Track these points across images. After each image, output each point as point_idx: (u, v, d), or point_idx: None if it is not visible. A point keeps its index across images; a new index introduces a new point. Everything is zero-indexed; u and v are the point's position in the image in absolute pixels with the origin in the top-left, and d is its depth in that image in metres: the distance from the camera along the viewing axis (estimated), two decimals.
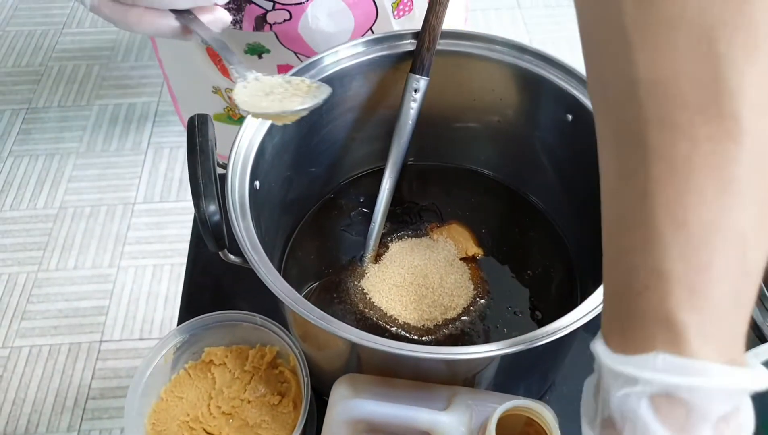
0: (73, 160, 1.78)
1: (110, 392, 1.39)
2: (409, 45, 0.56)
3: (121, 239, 1.62)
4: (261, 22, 0.61)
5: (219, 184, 0.41)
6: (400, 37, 0.57)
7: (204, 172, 0.40)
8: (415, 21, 0.68)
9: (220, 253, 0.43)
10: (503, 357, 0.40)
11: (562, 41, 2.06)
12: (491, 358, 0.41)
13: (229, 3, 0.59)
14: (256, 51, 0.66)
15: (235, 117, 0.75)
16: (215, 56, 0.70)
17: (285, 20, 0.60)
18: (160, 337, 0.79)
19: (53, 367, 1.42)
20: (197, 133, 0.43)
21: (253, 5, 0.59)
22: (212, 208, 0.39)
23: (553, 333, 0.41)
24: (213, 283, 0.65)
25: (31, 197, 1.70)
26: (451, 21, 0.70)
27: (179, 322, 0.59)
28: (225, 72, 0.70)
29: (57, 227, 1.64)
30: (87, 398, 1.38)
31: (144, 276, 1.55)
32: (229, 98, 0.74)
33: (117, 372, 1.42)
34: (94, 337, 1.46)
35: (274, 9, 0.59)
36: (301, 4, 0.59)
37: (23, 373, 1.40)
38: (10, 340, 1.45)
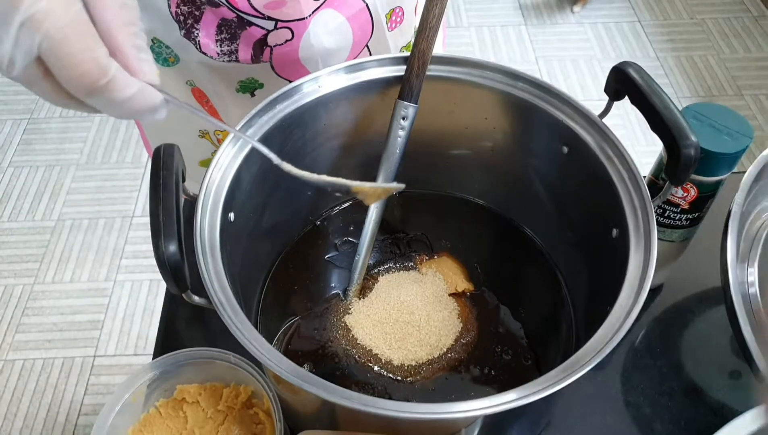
0: (73, 171, 1.77)
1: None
2: (396, 70, 0.54)
3: (118, 253, 1.60)
4: (260, 48, 0.58)
5: (184, 221, 0.39)
6: (387, 61, 0.54)
7: (165, 210, 0.38)
8: (404, 33, 0.66)
9: (183, 295, 0.40)
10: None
11: (567, 60, 2.03)
12: (471, 417, 0.38)
13: (222, 34, 0.57)
14: (249, 88, 0.64)
15: None
16: (202, 97, 0.67)
17: (287, 40, 0.58)
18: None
19: (46, 381, 1.40)
20: (162, 165, 0.40)
21: (252, 28, 0.56)
22: (172, 248, 0.36)
23: (542, 389, 0.37)
24: (192, 315, 0.62)
25: (29, 208, 1.68)
26: None
27: (154, 357, 0.56)
28: (213, 112, 0.67)
29: (54, 239, 1.62)
30: (79, 414, 1.36)
31: (140, 291, 1.53)
32: (218, 141, 0.71)
33: (110, 388, 1.39)
34: (88, 351, 1.44)
35: (276, 28, 0.57)
36: (303, 19, 0.57)
37: (15, 387, 1.38)
38: (4, 353, 1.43)
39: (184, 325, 0.62)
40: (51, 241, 1.62)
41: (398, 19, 0.64)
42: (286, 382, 0.47)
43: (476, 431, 0.44)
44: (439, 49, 0.74)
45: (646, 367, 0.59)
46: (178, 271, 0.37)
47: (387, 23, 0.63)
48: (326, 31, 0.59)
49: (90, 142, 1.84)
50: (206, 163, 0.74)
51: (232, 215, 0.48)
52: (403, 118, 0.54)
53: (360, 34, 0.61)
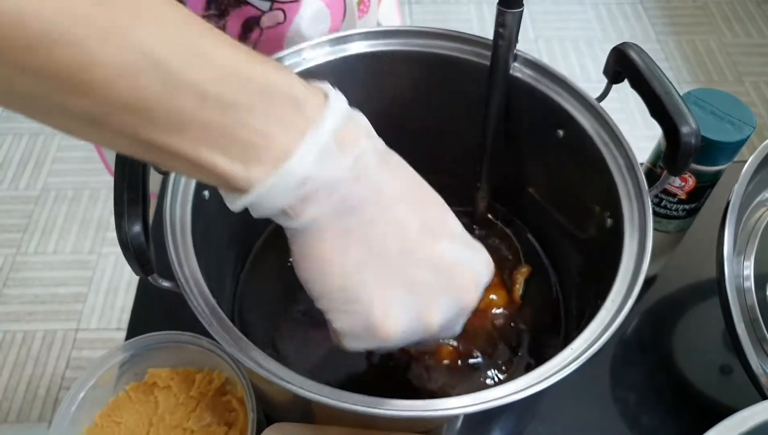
0: (58, 140, 1.73)
1: None
2: (383, 45, 0.51)
3: (103, 225, 1.57)
4: (251, 26, 0.57)
5: (148, 201, 0.36)
6: (373, 35, 0.51)
7: (130, 187, 0.35)
8: (368, 24, 0.65)
9: (149, 278, 0.38)
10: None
11: (567, 40, 1.99)
12: (452, 416, 0.36)
13: (210, 10, 0.55)
14: None
15: None
16: None
17: (278, 23, 0.57)
18: None
19: (27, 354, 1.38)
20: None
21: (247, 7, 0.55)
22: (136, 229, 0.34)
23: (524, 390, 0.35)
24: (168, 296, 0.59)
25: (12, 177, 1.65)
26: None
27: (127, 338, 0.54)
28: None
29: (38, 210, 1.59)
30: (60, 388, 1.34)
31: (125, 264, 1.49)
32: None
33: (92, 362, 1.38)
34: (71, 325, 1.42)
35: (271, 9, 0.55)
36: (296, 1, 0.55)
37: None
38: None
39: (160, 306, 0.59)
40: (35, 211, 1.59)
41: (365, 9, 0.63)
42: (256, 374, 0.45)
43: (458, 425, 0.42)
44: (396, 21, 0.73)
45: (635, 360, 0.58)
46: (143, 253, 0.35)
47: (357, 11, 0.62)
48: (310, 16, 0.57)
49: None
50: None
51: (206, 193, 0.45)
52: (501, 26, 0.49)
53: (334, 20, 0.60)
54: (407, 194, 0.33)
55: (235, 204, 0.30)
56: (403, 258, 0.32)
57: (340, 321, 0.33)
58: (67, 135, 0.27)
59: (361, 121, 0.32)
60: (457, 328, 0.37)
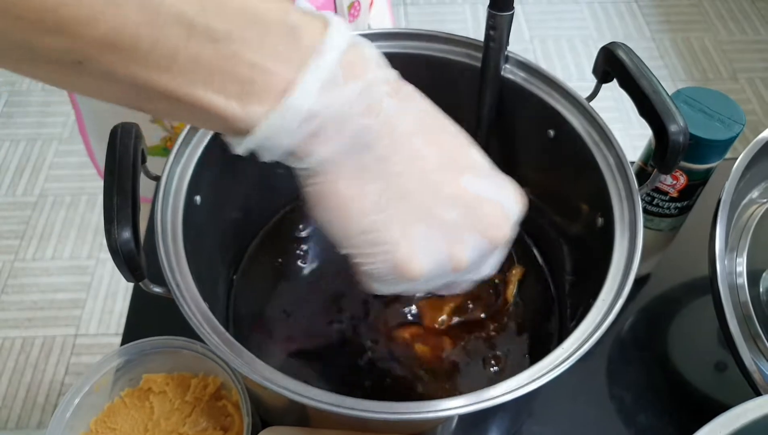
0: (56, 146, 1.73)
1: None
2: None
3: (101, 230, 1.57)
4: None
5: (138, 206, 0.36)
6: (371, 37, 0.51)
7: (120, 193, 0.35)
8: (359, 29, 0.65)
9: (140, 284, 0.38)
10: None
11: (563, 39, 2.00)
12: (444, 417, 0.36)
13: None
14: None
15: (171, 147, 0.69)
16: None
17: None
18: None
19: (26, 360, 1.38)
20: (118, 144, 0.37)
21: None
22: (125, 235, 0.34)
23: (517, 389, 0.36)
24: (163, 301, 0.59)
25: (10, 183, 1.65)
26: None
27: (123, 344, 0.54)
28: None
29: (36, 215, 1.59)
30: (59, 394, 1.34)
31: None
32: (172, 127, 0.68)
33: (88, 368, 1.37)
34: (69, 330, 1.42)
35: None
36: None
37: None
38: None
39: (155, 311, 0.59)
40: (32, 217, 1.59)
41: (356, 13, 0.63)
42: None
43: (453, 426, 0.42)
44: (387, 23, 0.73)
45: (630, 358, 0.58)
46: (133, 259, 0.35)
47: (347, 15, 0.62)
48: None
49: (73, 116, 1.79)
50: (153, 151, 0.70)
51: (198, 198, 0.46)
52: (492, 29, 0.48)
53: None
54: (424, 126, 0.31)
55: (239, 147, 0.28)
56: (424, 194, 0.30)
57: (366, 264, 0.32)
58: (51, 84, 0.26)
59: (368, 50, 0.29)
60: (490, 268, 0.35)
